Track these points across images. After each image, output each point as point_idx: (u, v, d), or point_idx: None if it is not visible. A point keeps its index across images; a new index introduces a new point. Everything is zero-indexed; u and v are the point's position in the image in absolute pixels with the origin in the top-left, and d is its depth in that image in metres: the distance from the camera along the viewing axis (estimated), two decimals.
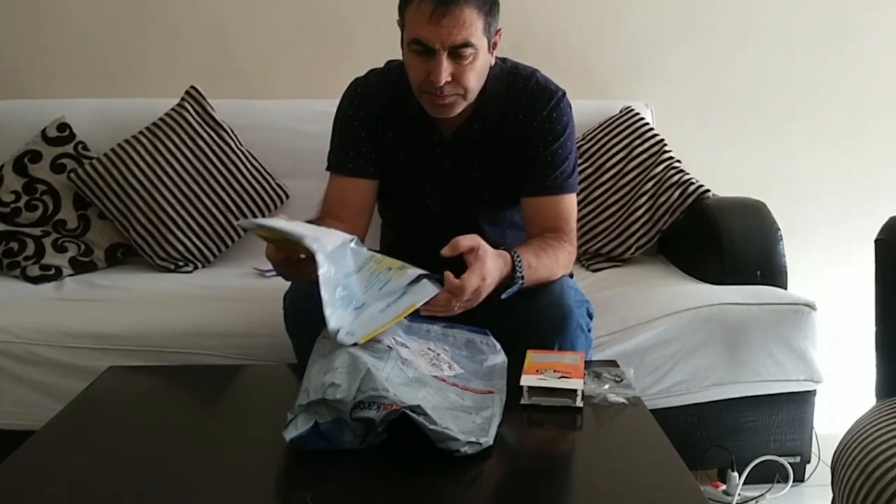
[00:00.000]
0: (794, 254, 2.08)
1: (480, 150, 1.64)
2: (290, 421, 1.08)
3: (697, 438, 1.87)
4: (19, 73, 2.53)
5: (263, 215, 2.34)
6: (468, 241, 1.35)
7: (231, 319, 1.79)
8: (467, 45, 1.45)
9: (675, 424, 1.84)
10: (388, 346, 1.25)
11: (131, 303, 1.96)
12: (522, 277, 1.44)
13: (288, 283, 1.53)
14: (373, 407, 1.06)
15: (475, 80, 1.51)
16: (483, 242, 1.37)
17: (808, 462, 1.97)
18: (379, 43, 2.12)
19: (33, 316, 1.82)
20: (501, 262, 1.41)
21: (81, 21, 2.52)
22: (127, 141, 2.29)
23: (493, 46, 1.54)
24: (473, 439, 1.07)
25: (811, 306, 1.85)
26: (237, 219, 2.30)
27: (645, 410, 1.25)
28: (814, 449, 1.99)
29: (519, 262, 1.43)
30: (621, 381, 1.32)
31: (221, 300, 1.93)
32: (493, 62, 1.57)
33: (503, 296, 1.44)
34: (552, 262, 1.53)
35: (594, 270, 2.22)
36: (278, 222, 1.28)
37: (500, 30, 1.54)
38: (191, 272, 2.26)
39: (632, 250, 2.22)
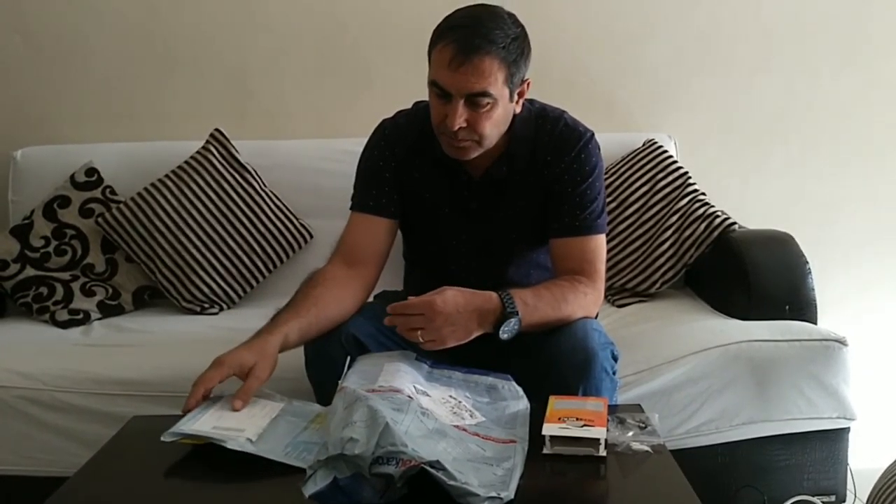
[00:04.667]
0: (824, 285, 2.04)
1: (508, 191, 1.64)
2: (310, 476, 1.07)
3: (728, 478, 1.84)
4: (48, 119, 2.57)
5: (288, 256, 2.36)
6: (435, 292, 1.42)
7: None
8: (485, 94, 1.45)
9: (705, 464, 1.81)
10: (409, 396, 1.24)
11: (156, 347, 1.98)
12: (516, 312, 1.43)
13: None
14: (391, 462, 1.05)
15: (491, 128, 1.51)
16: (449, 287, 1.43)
17: (844, 501, 1.92)
18: (400, 81, 2.14)
19: (60, 362, 1.84)
20: (472, 296, 1.43)
21: (107, 66, 2.57)
22: (153, 185, 2.32)
23: (518, 96, 1.54)
24: (494, 494, 1.05)
25: (842, 342, 1.81)
26: (262, 259, 2.32)
27: (669, 459, 1.22)
28: (850, 486, 1.94)
29: (507, 298, 1.44)
30: (645, 427, 1.29)
31: None
32: (518, 110, 1.57)
33: (501, 333, 1.44)
34: (557, 300, 1.50)
35: (620, 306, 2.20)
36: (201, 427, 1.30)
37: (527, 80, 1.54)
38: (216, 314, 2.27)
39: (657, 285, 2.20)
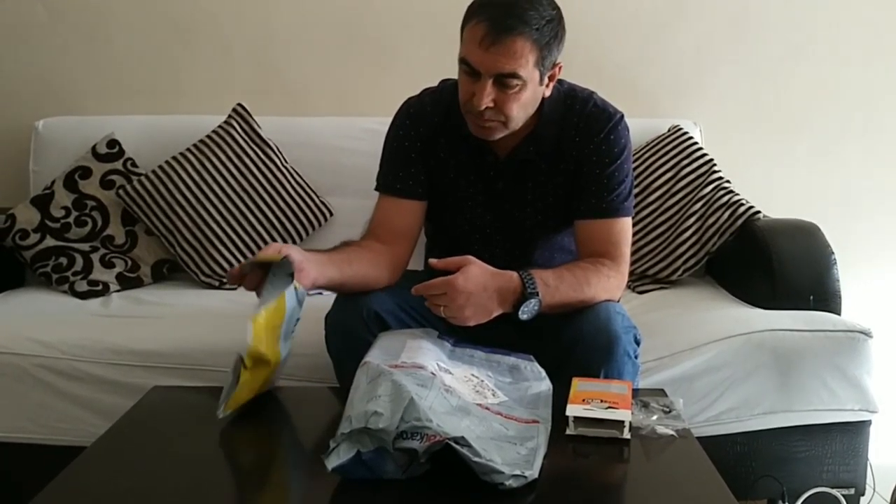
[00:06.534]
0: (849, 278, 2.01)
1: (535, 172, 1.62)
2: (333, 449, 1.07)
3: (747, 468, 1.82)
4: (70, 90, 2.57)
5: (308, 233, 2.35)
6: (459, 260, 1.40)
7: None
8: (514, 76, 1.43)
9: (725, 453, 1.79)
10: (432, 373, 1.23)
11: (175, 320, 1.97)
12: (537, 293, 1.42)
13: (330, 304, 1.53)
14: (416, 437, 1.05)
15: (518, 110, 1.49)
16: (473, 260, 1.42)
17: (863, 494, 1.90)
18: (424, 60, 2.12)
19: (79, 332, 1.84)
20: (493, 275, 1.42)
21: (131, 39, 2.56)
22: (174, 158, 2.32)
23: (549, 79, 1.52)
24: (518, 472, 1.05)
25: (867, 334, 1.79)
26: (282, 236, 2.31)
27: (695, 443, 1.21)
28: (869, 481, 1.92)
29: (528, 278, 1.43)
30: (670, 411, 1.28)
31: None
32: (547, 94, 1.55)
33: (521, 314, 1.43)
34: (579, 282, 1.49)
35: (640, 292, 2.18)
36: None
37: (559, 64, 1.52)
38: (235, 289, 2.25)
39: (679, 272, 2.18)
